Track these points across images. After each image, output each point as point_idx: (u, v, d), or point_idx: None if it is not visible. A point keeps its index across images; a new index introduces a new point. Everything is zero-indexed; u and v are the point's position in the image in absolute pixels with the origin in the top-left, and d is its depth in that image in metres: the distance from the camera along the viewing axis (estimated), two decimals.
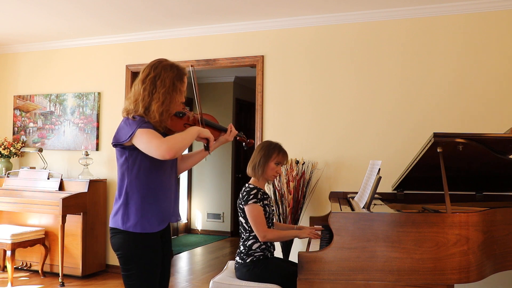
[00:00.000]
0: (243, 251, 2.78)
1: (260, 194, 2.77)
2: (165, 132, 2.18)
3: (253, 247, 2.75)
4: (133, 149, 2.10)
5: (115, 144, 2.13)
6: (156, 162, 2.12)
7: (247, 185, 2.85)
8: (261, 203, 2.76)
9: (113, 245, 2.18)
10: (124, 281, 2.17)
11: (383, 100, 4.05)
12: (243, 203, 2.77)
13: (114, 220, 2.16)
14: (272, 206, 2.95)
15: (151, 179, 2.14)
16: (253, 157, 2.89)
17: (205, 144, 2.24)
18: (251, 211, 2.72)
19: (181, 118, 2.25)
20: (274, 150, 2.86)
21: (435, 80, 3.91)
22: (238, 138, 2.53)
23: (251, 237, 2.76)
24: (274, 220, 3.03)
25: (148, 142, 2.02)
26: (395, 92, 4.01)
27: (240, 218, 2.82)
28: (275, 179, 3.83)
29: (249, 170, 2.89)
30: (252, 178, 2.89)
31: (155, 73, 2.14)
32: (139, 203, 2.12)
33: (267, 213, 2.80)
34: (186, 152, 2.32)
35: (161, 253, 2.22)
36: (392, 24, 4.04)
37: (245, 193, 2.78)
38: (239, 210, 2.83)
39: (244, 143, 2.61)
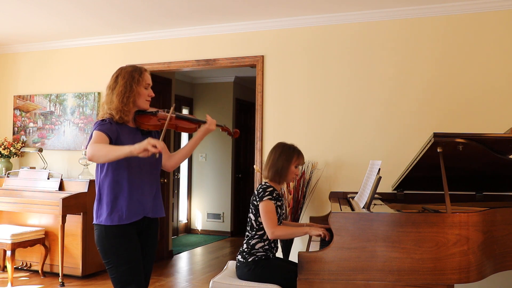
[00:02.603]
0: (245, 249, 2.78)
1: (276, 193, 2.79)
2: (139, 127, 2.39)
3: (256, 247, 2.76)
4: None
5: (87, 147, 2.32)
6: (123, 162, 2.29)
7: (263, 183, 2.86)
8: (275, 202, 2.77)
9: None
10: (110, 276, 2.31)
11: (383, 100, 4.04)
12: (258, 199, 2.78)
13: (94, 216, 2.36)
14: (284, 209, 2.95)
15: (120, 177, 2.31)
16: (273, 162, 2.87)
17: (155, 155, 2.17)
18: (265, 207, 2.73)
19: (155, 116, 2.43)
20: (294, 154, 2.87)
21: (435, 80, 3.91)
22: (221, 129, 2.63)
23: (256, 236, 2.77)
24: (284, 220, 3.02)
25: (90, 142, 2.22)
26: (395, 92, 4.01)
27: (250, 215, 2.82)
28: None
29: (269, 175, 2.87)
30: (268, 180, 2.89)
31: (117, 74, 2.41)
32: (108, 198, 2.29)
33: (278, 214, 2.81)
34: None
35: (139, 246, 2.34)
36: (392, 24, 4.04)
37: (261, 190, 2.80)
38: (251, 207, 2.84)
39: (228, 133, 2.67)
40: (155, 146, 2.08)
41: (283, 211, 2.93)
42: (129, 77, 2.35)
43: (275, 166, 2.84)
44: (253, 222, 2.81)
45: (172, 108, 2.39)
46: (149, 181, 2.40)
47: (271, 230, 2.70)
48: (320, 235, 2.74)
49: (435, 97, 3.90)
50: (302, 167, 4.08)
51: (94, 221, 2.34)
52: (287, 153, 2.86)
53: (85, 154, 4.88)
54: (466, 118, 3.80)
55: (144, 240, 2.42)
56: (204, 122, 2.54)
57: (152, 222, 2.45)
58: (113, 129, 2.29)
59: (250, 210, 2.84)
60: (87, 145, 2.28)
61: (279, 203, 2.81)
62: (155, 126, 2.40)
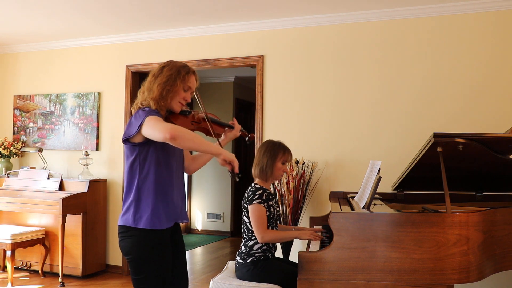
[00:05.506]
0: (244, 251, 2.77)
1: (266, 195, 2.77)
2: None
3: (254, 248, 2.75)
4: (144, 144, 2.11)
5: (125, 140, 2.13)
6: (165, 159, 2.16)
7: (253, 184, 2.85)
8: (266, 204, 2.75)
9: (122, 248, 2.14)
10: (135, 286, 2.15)
11: (382, 99, 4.04)
12: (247, 202, 2.76)
13: (124, 218, 2.14)
14: (278, 207, 2.93)
15: (161, 176, 2.16)
16: (258, 159, 2.87)
17: (230, 171, 2.13)
18: (254, 211, 2.71)
19: (186, 117, 2.27)
20: (279, 150, 2.85)
21: (435, 80, 3.91)
22: (240, 132, 2.59)
23: (253, 238, 2.76)
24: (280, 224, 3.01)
25: (153, 125, 2.01)
26: (395, 92, 4.01)
27: (244, 217, 2.81)
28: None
29: (255, 173, 2.87)
30: (257, 179, 2.88)
31: (165, 64, 2.25)
32: (151, 199, 2.13)
33: (272, 214, 2.79)
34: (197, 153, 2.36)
35: (171, 253, 2.21)
36: (392, 24, 4.04)
37: (250, 192, 2.78)
38: (243, 209, 2.82)
39: (246, 138, 2.64)
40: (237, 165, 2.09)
41: (278, 209, 2.90)
42: (175, 71, 2.20)
43: (261, 164, 2.83)
44: (247, 224, 2.79)
45: (204, 112, 2.28)
46: (181, 183, 2.30)
47: (260, 235, 2.68)
48: (310, 239, 2.74)
49: (437, 97, 3.89)
50: (302, 166, 4.08)
51: (130, 224, 2.11)
52: (272, 150, 2.83)
53: (86, 154, 4.88)
54: (466, 118, 3.80)
55: (174, 247, 2.27)
56: (231, 127, 2.48)
57: (179, 228, 2.35)
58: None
59: (243, 212, 2.82)
60: (139, 126, 2.04)
61: (271, 203, 2.79)
62: (188, 127, 2.24)
